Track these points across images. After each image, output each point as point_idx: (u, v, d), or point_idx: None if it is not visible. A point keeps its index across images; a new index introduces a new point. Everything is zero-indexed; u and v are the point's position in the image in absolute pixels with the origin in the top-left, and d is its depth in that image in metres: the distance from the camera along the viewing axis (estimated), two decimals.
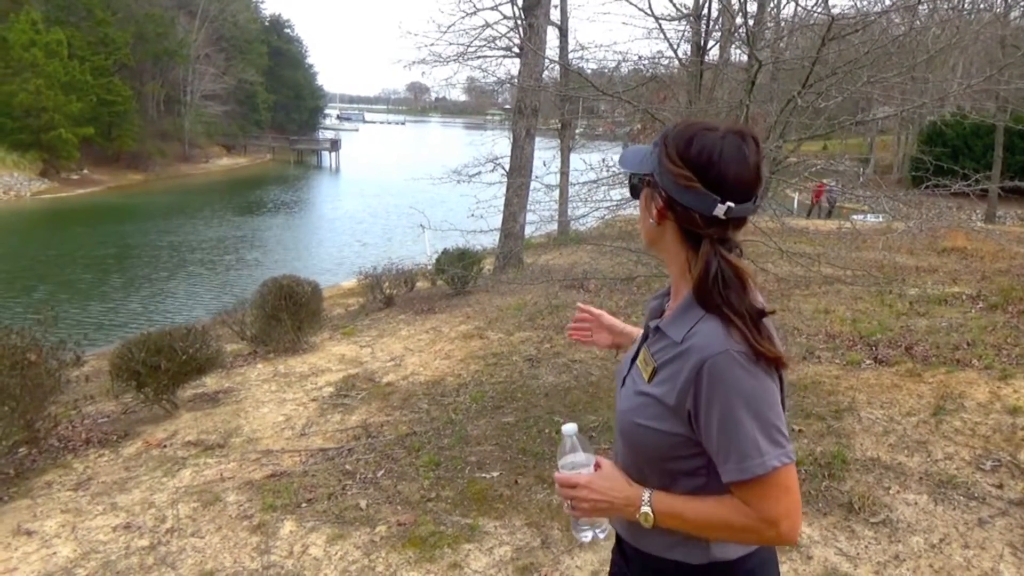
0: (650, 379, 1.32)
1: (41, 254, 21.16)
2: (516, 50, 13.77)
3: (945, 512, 3.52)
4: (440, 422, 5.18)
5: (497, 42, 13.96)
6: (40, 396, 4.81)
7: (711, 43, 6.54)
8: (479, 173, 10.10)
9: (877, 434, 4.37)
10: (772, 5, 5.98)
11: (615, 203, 4.64)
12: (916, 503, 3.61)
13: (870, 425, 4.49)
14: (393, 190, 30.78)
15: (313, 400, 5.92)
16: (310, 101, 72.72)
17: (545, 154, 14.13)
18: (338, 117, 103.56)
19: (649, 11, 4.73)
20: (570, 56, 13.47)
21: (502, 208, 11.42)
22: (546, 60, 12.01)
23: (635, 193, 1.40)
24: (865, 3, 4.26)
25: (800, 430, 4.44)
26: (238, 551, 3.48)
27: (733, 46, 5.54)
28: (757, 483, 1.19)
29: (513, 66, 14.81)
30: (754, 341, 1.21)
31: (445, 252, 11.12)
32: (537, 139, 13.85)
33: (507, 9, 14.03)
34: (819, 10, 4.56)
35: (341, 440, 4.98)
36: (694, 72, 4.89)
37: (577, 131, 16.05)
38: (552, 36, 15.44)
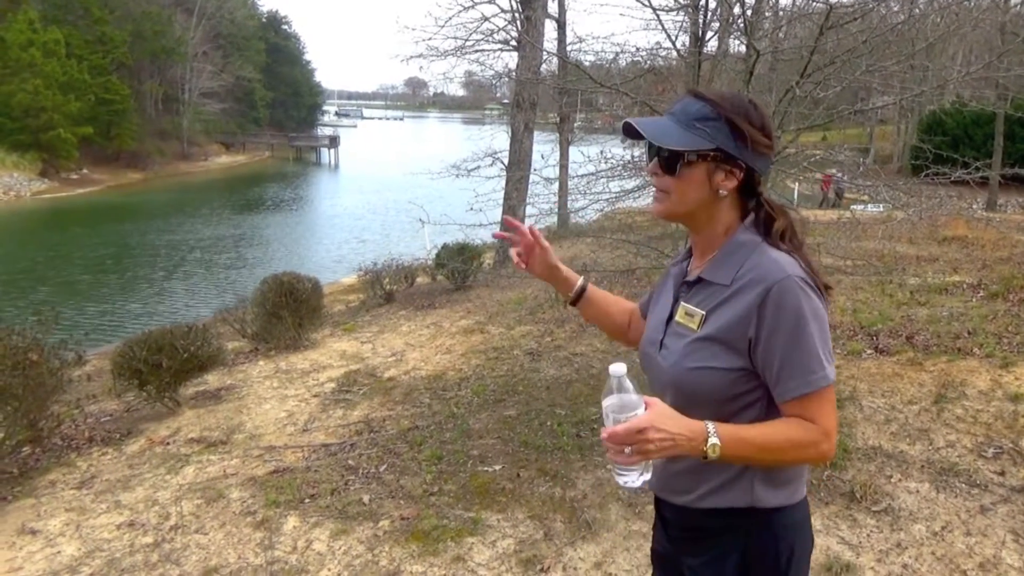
0: (700, 326, 1.39)
1: (40, 255, 21.16)
2: (514, 43, 13.74)
3: (947, 500, 3.52)
4: (442, 416, 5.19)
5: (495, 35, 13.93)
6: (42, 396, 4.82)
7: (709, 34, 6.52)
8: (478, 167, 10.08)
9: (879, 423, 4.37)
10: None
11: (614, 195, 4.64)
12: (918, 491, 3.62)
13: (871, 414, 4.49)
14: (392, 186, 30.76)
15: (315, 396, 5.93)
16: (308, 98, 72.63)
17: (544, 148, 14.13)
18: (336, 113, 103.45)
19: (647, 2, 4.71)
20: (568, 49, 13.46)
21: (501, 202, 11.41)
22: (544, 53, 11.98)
23: (672, 170, 1.40)
24: None
25: None
26: (242, 547, 3.49)
27: (731, 36, 5.52)
28: (818, 396, 1.31)
29: (511, 59, 14.79)
30: (810, 269, 1.37)
31: (445, 247, 11.12)
32: (536, 133, 13.83)
33: (504, 2, 13.99)
34: None
35: (343, 435, 4.99)
36: (692, 63, 4.87)
37: (576, 124, 16.03)
38: (550, 29, 15.40)
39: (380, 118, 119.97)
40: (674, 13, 5.26)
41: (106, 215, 29.22)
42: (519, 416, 5.05)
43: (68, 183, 34.92)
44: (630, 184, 4.74)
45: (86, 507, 4.06)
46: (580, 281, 1.76)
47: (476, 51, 13.88)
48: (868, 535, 3.26)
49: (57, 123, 33.86)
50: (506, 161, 12.29)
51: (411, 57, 13.90)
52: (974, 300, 7.02)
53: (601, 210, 4.78)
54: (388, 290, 10.78)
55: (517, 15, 13.51)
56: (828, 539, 3.25)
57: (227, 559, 3.39)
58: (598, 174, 4.69)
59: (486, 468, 4.24)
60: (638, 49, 5.29)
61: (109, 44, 39.49)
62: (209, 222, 27.43)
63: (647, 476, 1.28)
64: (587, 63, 6.31)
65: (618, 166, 4.71)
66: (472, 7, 13.54)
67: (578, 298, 1.77)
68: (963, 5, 5.53)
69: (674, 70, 5.84)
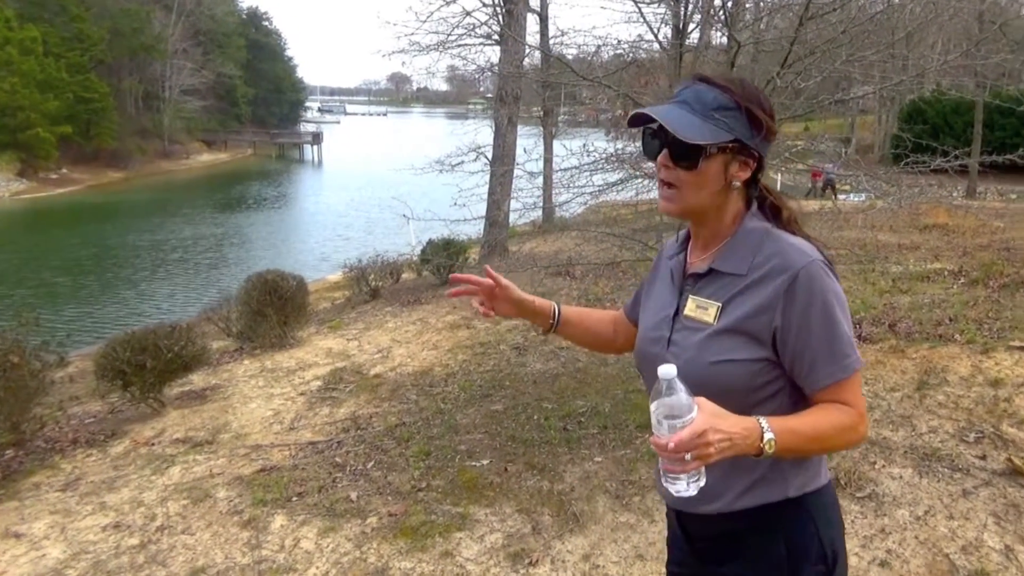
0: (717, 318, 1.34)
1: (18, 256, 20.87)
2: (496, 38, 13.71)
3: (930, 484, 3.56)
4: (429, 412, 5.19)
5: (477, 30, 13.90)
6: (24, 398, 4.77)
7: (691, 26, 6.53)
8: (462, 162, 10.06)
9: None
10: None
11: (597, 188, 4.65)
12: (901, 477, 3.66)
13: None
14: (376, 182, 30.62)
15: (301, 394, 5.90)
16: (290, 94, 72.14)
17: (528, 142, 14.09)
18: (319, 110, 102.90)
19: None
20: (551, 42, 13.42)
21: (486, 197, 11.40)
22: (526, 47, 11.95)
23: (692, 164, 1.32)
24: None
25: None
26: (229, 546, 3.48)
27: (713, 28, 5.53)
28: (852, 379, 1.30)
29: (493, 54, 14.76)
30: (824, 251, 1.35)
31: (430, 242, 11.09)
32: (520, 127, 13.81)
33: None
34: None
35: (330, 433, 4.98)
36: (674, 56, 4.88)
37: (560, 118, 16.01)
38: (532, 23, 15.37)
39: (363, 114, 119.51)
40: (655, 5, 5.27)
41: (86, 215, 28.92)
42: (506, 411, 5.06)
43: (47, 183, 34.51)
44: (613, 177, 4.75)
45: (71, 509, 4.02)
46: (555, 307, 1.70)
47: (458, 46, 13.86)
48: (852, 521, 3.29)
49: (35, 122, 33.44)
50: (490, 156, 12.27)
51: (393, 52, 13.87)
52: (955, 287, 7.09)
53: (585, 203, 4.79)
54: (373, 287, 10.73)
55: (499, 9, 13.48)
56: None
57: (214, 559, 3.37)
58: (581, 167, 4.70)
59: (474, 463, 4.24)
60: (619, 42, 5.29)
61: (87, 42, 39.01)
62: (191, 221, 27.18)
63: (702, 482, 1.19)
64: (570, 56, 6.30)
65: (601, 159, 4.71)
66: (453, 2, 13.51)
67: (555, 324, 1.71)
68: None
69: (656, 63, 5.84)
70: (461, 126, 17.15)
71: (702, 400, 1.18)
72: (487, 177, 10.65)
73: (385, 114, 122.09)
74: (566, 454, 4.26)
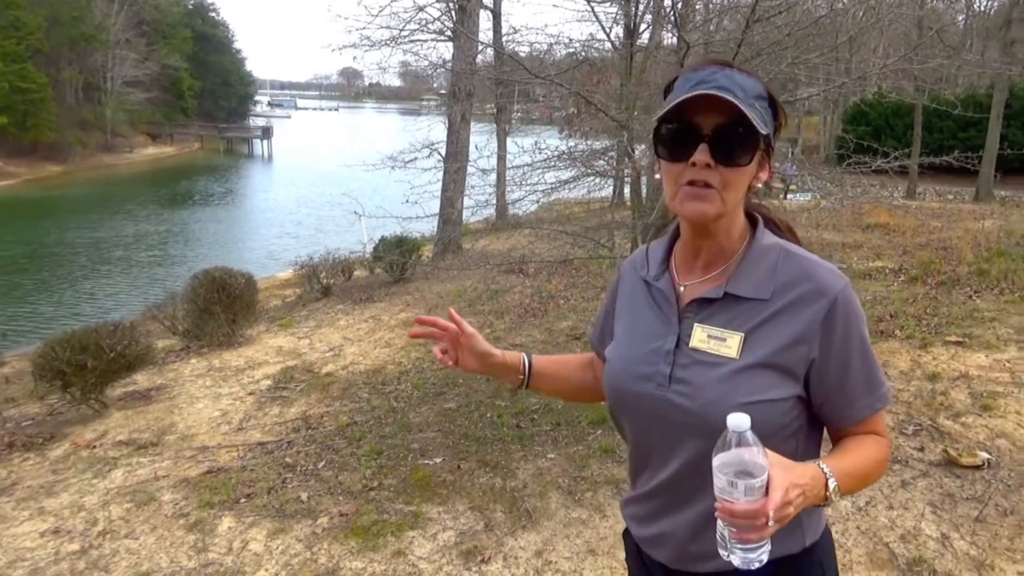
0: (740, 351, 1.14)
1: None
2: (449, 34, 13.64)
3: None
4: (381, 411, 5.15)
5: (429, 26, 13.78)
6: None
7: (643, 26, 6.60)
8: (415, 159, 9.98)
9: None
10: None
11: (550, 186, 4.67)
12: None
13: None
14: (327, 178, 30.15)
15: (250, 394, 5.80)
16: (239, 87, 70.57)
17: (481, 138, 14.08)
18: (269, 104, 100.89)
19: None
20: (503, 40, 13.43)
21: (439, 194, 11.35)
22: (479, 44, 11.93)
23: (747, 158, 1.14)
24: None
25: None
26: (174, 550, 3.39)
27: (664, 29, 5.60)
28: (883, 409, 1.21)
29: (446, 50, 14.69)
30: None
31: (383, 240, 10.99)
32: (474, 124, 13.78)
33: None
34: None
35: (280, 433, 4.90)
36: (625, 55, 4.93)
37: (514, 115, 16.03)
38: (485, 19, 15.36)
39: (315, 108, 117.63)
40: (607, 4, 5.31)
41: (22, 211, 27.79)
42: (459, 408, 5.05)
43: None
44: (566, 175, 4.78)
45: (7, 515, 3.88)
46: (524, 360, 1.47)
47: (411, 41, 13.73)
48: None
49: None
50: (444, 153, 12.22)
51: (344, 47, 13.67)
52: (896, 284, 7.33)
53: (537, 201, 4.81)
54: (325, 284, 10.59)
55: (451, 5, 13.40)
56: None
57: (159, 563, 3.29)
58: (534, 165, 4.71)
59: (426, 461, 4.23)
60: (571, 40, 5.32)
61: (23, 30, 37.47)
62: (134, 217, 26.32)
63: (769, 546, 1.00)
64: (522, 54, 6.31)
65: (553, 157, 4.73)
66: None
67: (526, 379, 1.47)
68: (881, 0, 5.74)
69: (608, 62, 5.89)
70: (414, 122, 17.02)
71: (768, 452, 1.00)
72: (440, 174, 10.61)
73: (337, 109, 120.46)
74: (519, 451, 4.27)
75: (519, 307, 7.75)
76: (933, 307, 6.22)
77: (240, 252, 20.51)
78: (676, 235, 1.30)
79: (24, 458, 4.76)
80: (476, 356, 1.43)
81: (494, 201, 7.77)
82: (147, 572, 3.23)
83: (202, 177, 39.67)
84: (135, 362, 5.79)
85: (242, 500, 3.87)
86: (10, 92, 35.38)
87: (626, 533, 1.40)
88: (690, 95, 1.10)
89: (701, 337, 1.18)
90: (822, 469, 1.07)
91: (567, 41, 5.38)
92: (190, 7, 62.46)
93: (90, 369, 5.34)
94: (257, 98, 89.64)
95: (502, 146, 14.64)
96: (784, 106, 1.22)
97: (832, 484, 1.07)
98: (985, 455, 3.74)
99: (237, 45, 73.05)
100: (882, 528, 3.21)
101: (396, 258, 10.12)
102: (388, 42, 13.25)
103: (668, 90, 1.21)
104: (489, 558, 3.19)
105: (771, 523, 0.95)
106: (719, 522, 0.98)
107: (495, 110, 15.88)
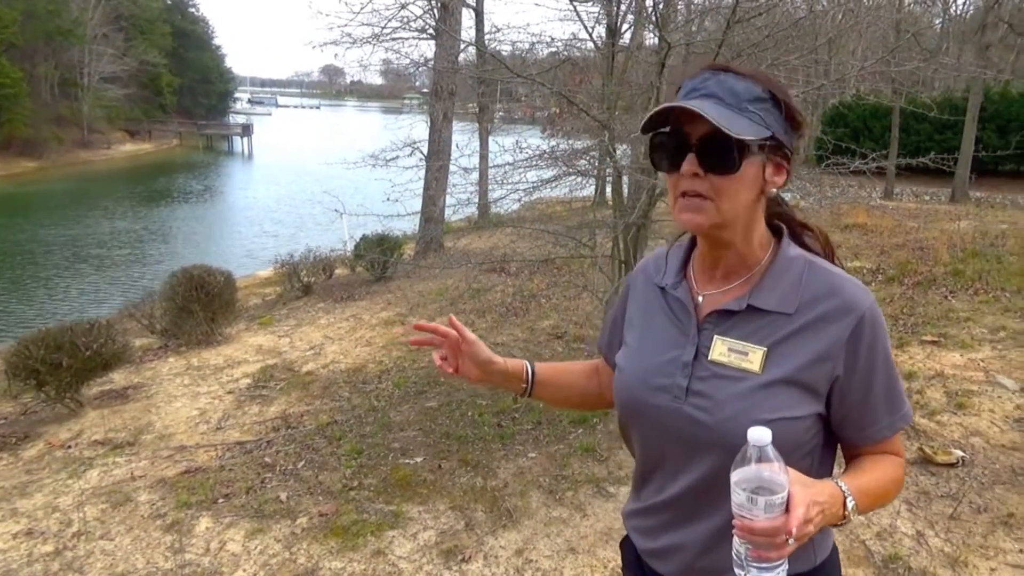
0: (763, 366, 1.11)
1: None
2: (431, 32, 13.59)
3: None
4: (362, 410, 5.12)
5: (412, 24, 13.71)
6: None
7: (625, 26, 6.61)
8: (397, 157, 9.94)
9: None
10: None
11: (531, 185, 4.67)
12: None
13: None
14: (308, 176, 29.95)
15: (229, 393, 5.74)
16: (219, 84, 69.98)
17: (464, 137, 14.05)
18: (249, 101, 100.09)
19: None
20: (486, 38, 13.41)
21: (421, 193, 11.31)
22: (461, 42, 11.90)
23: (732, 166, 1.09)
24: None
25: None
26: (151, 551, 3.35)
27: (646, 29, 5.62)
28: (902, 430, 1.20)
29: (429, 49, 14.65)
30: None
31: (364, 238, 10.94)
32: (456, 122, 13.74)
33: None
34: None
35: (259, 432, 4.86)
36: (607, 55, 4.94)
37: (496, 115, 16.02)
38: (467, 18, 15.32)
39: (296, 106, 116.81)
40: (589, 4, 5.31)
41: None
42: (440, 407, 5.04)
43: None
44: (547, 174, 4.78)
45: None
46: (527, 368, 1.42)
47: (392, 39, 13.63)
48: None
49: None
50: (425, 151, 12.18)
51: (325, 44, 13.52)
52: (873, 284, 7.41)
53: (519, 200, 4.80)
54: (306, 282, 10.52)
55: (434, 3, 13.36)
56: None
57: (135, 565, 3.25)
58: (516, 164, 4.70)
59: (407, 460, 4.21)
60: (553, 40, 5.32)
61: None
62: (111, 215, 25.94)
63: (786, 566, 0.98)
64: (504, 53, 6.30)
65: (535, 156, 4.73)
66: None
67: (529, 388, 1.43)
68: (860, 2, 5.80)
69: (590, 61, 5.90)
70: (395, 121, 16.95)
71: (787, 468, 0.98)
72: (422, 173, 10.57)
73: (318, 107, 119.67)
74: (500, 450, 4.27)
75: (501, 306, 7.74)
76: (910, 307, 6.30)
77: (218, 251, 20.26)
78: (694, 242, 1.27)
79: None
80: (478, 364, 1.37)
81: (476, 200, 7.75)
82: (123, 573, 3.19)
83: (181, 174, 39.22)
84: (112, 361, 5.72)
85: (220, 500, 3.83)
86: None
87: (626, 542, 1.37)
88: (655, 110, 1.11)
89: (722, 350, 1.15)
90: (840, 487, 1.05)
91: (549, 40, 5.38)
92: (169, 2, 61.81)
93: (65, 368, 5.26)
94: (237, 95, 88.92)
95: (484, 145, 14.65)
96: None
97: (851, 503, 1.05)
98: (959, 453, 3.80)
99: (217, 41, 72.57)
100: (858, 526, 3.24)
101: (377, 256, 10.08)
102: (370, 39, 13.14)
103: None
104: (469, 557, 3.19)
105: (791, 541, 0.93)
106: (736, 539, 0.96)
107: (477, 109, 15.86)
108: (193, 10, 66.52)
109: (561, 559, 3.14)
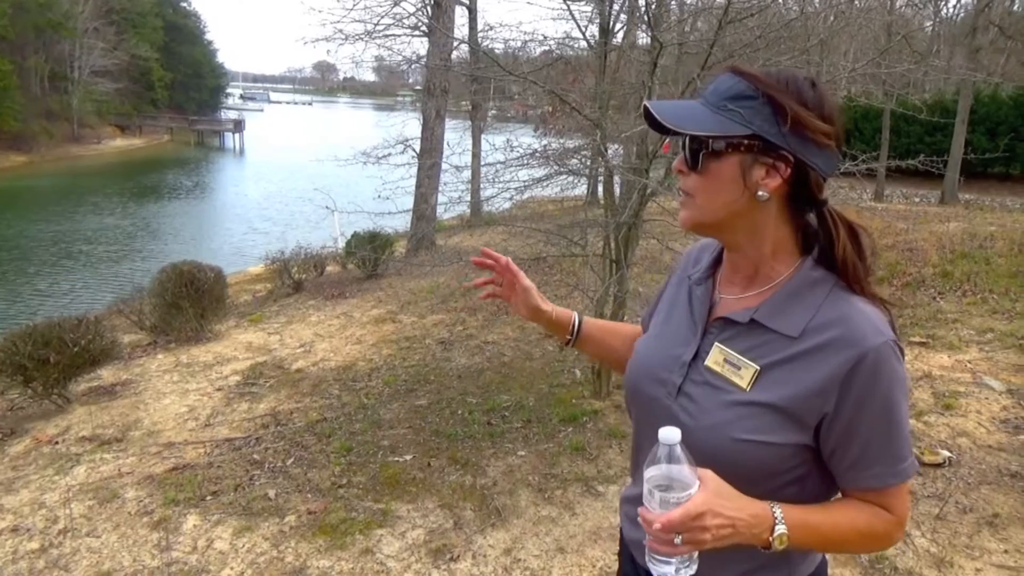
0: (751, 385, 1.08)
1: None
2: (424, 29, 13.57)
3: None
4: (352, 407, 5.11)
5: (405, 21, 13.70)
6: None
7: (618, 25, 6.61)
8: (389, 155, 9.93)
9: None
10: None
11: (522, 184, 4.66)
12: None
13: None
14: (300, 173, 29.81)
15: (218, 390, 5.72)
16: (211, 79, 69.65)
17: (456, 135, 14.05)
18: (241, 97, 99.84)
19: None
20: (479, 36, 13.40)
21: (413, 190, 11.30)
22: (454, 40, 11.89)
23: (694, 163, 1.09)
24: None
25: None
26: (137, 549, 3.34)
27: (639, 29, 5.62)
28: (903, 486, 1.08)
29: (421, 46, 14.60)
30: (896, 328, 1.07)
31: (356, 235, 10.92)
32: (449, 120, 13.73)
33: None
34: None
35: (248, 429, 4.84)
36: (600, 53, 4.94)
37: (490, 113, 16.01)
38: (461, 15, 15.30)
39: (288, 102, 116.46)
40: (582, 3, 5.32)
41: None
42: (430, 405, 5.03)
43: None
44: (539, 173, 4.78)
45: None
46: (574, 319, 1.47)
47: (385, 36, 13.63)
48: None
49: None
50: (418, 149, 12.17)
51: (317, 40, 13.57)
52: None
53: (510, 198, 4.80)
54: (297, 279, 10.49)
55: (427, 0, 13.34)
56: None
57: (121, 562, 3.23)
58: (507, 163, 4.70)
59: (396, 458, 4.20)
60: (545, 38, 5.32)
61: None
62: (99, 211, 25.73)
63: (693, 569, 1.00)
64: (497, 51, 6.30)
65: (526, 154, 4.73)
66: None
67: (573, 339, 1.49)
68: (852, 4, 5.82)
69: (583, 60, 5.90)
70: (387, 118, 16.90)
71: (706, 474, 0.98)
72: (414, 170, 10.56)
73: (310, 103, 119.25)
74: (489, 448, 4.27)
75: (492, 304, 7.74)
76: (898, 308, 6.33)
77: (208, 248, 20.10)
78: None
79: None
80: (528, 308, 1.45)
81: (468, 198, 7.75)
82: (109, 571, 3.17)
83: (171, 170, 38.98)
84: (100, 357, 5.69)
85: (208, 497, 3.82)
86: None
87: (622, 530, 1.40)
88: (641, 110, 1.15)
89: (718, 359, 1.13)
90: (772, 512, 1.01)
91: (541, 38, 5.37)
92: None
93: (52, 364, 5.23)
94: (229, 90, 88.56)
95: (477, 143, 14.63)
96: None
97: (779, 530, 1.01)
98: (946, 453, 3.82)
99: (209, 36, 72.27)
100: None
101: (368, 253, 10.06)
102: (362, 36, 13.14)
103: None
104: (458, 556, 3.18)
105: (678, 540, 0.95)
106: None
107: (470, 107, 15.85)
108: (185, 4, 66.17)
109: (550, 558, 3.14)
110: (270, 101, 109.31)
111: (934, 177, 15.59)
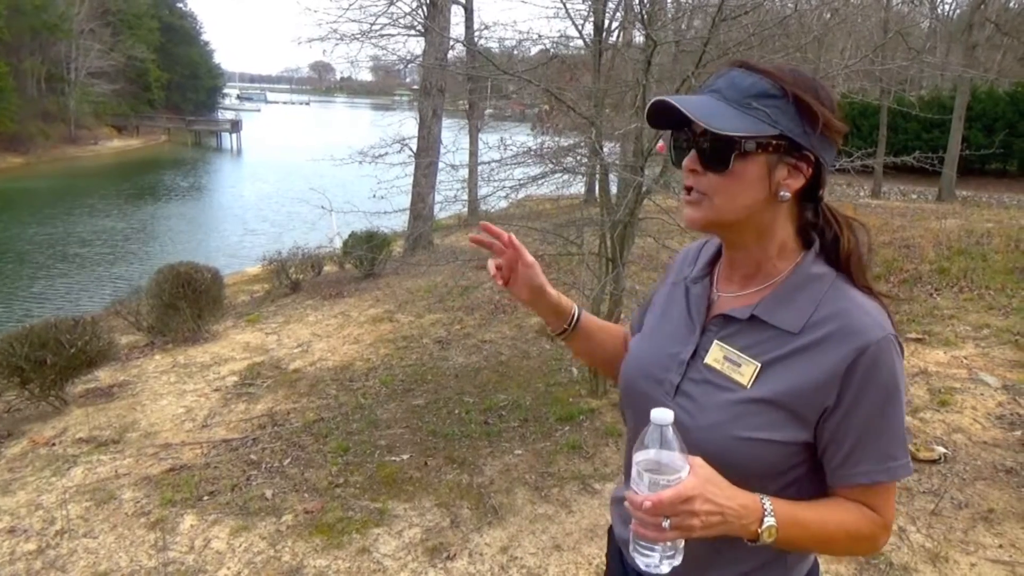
0: (752, 382, 1.07)
1: None
2: (420, 29, 13.56)
3: None
4: (349, 407, 5.11)
5: (401, 21, 13.68)
6: None
7: (614, 24, 6.61)
8: (386, 154, 9.91)
9: None
10: None
11: (518, 182, 4.66)
12: None
13: None
14: (297, 173, 29.79)
15: (216, 390, 5.72)
16: (207, 80, 69.61)
17: (453, 134, 14.03)
18: (238, 97, 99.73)
19: None
20: (475, 35, 13.40)
21: (409, 190, 11.28)
22: (450, 40, 11.88)
23: (722, 163, 1.05)
24: None
25: None
26: (135, 549, 3.34)
27: (634, 27, 5.63)
28: (891, 485, 1.07)
29: (418, 46, 14.59)
30: (895, 323, 1.06)
31: (353, 235, 10.92)
32: (445, 119, 13.71)
33: None
34: None
35: (245, 430, 4.84)
36: (595, 52, 4.94)
37: (486, 112, 15.99)
38: (457, 14, 15.29)
39: (285, 102, 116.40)
40: (578, 1, 5.32)
41: None
42: (427, 405, 5.03)
43: None
44: (534, 171, 4.78)
45: None
46: (574, 311, 1.39)
47: (381, 36, 13.60)
48: None
49: None
50: (415, 148, 12.15)
51: (313, 40, 13.51)
52: None
53: (506, 196, 4.80)
54: (294, 279, 10.49)
55: (422, 0, 13.33)
56: None
57: (118, 563, 3.23)
58: (503, 161, 4.70)
59: (393, 458, 4.21)
60: (540, 36, 5.32)
61: None
62: (96, 212, 25.65)
63: (677, 561, 0.98)
64: (493, 50, 6.29)
65: (521, 153, 4.73)
66: None
67: (569, 329, 1.39)
68: (847, 1, 5.82)
69: (579, 59, 5.90)
70: (384, 117, 16.89)
71: (696, 460, 0.97)
72: (411, 169, 10.55)
73: (308, 103, 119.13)
74: (486, 447, 4.27)
75: (489, 303, 7.74)
76: (895, 305, 6.34)
77: (205, 249, 20.06)
78: None
79: None
80: (531, 288, 1.33)
81: (464, 197, 7.75)
82: (106, 572, 3.17)
83: (168, 171, 38.91)
84: (97, 358, 5.69)
85: (205, 498, 3.82)
86: None
87: (611, 529, 1.37)
88: (650, 104, 1.07)
89: (717, 356, 1.12)
90: (763, 504, 1.00)
91: (536, 37, 5.38)
92: None
93: (49, 365, 5.23)
94: (226, 91, 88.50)
95: (474, 142, 14.62)
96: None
97: (768, 522, 0.99)
98: (941, 449, 3.83)
99: (205, 37, 72.40)
100: None
101: (365, 253, 10.06)
102: (358, 36, 13.11)
103: None
104: (455, 555, 3.19)
105: (666, 524, 0.92)
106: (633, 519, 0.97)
107: (467, 106, 15.84)
108: (181, 5, 66.12)
109: (546, 556, 3.15)
110: (267, 101, 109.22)
111: (931, 174, 15.61)
